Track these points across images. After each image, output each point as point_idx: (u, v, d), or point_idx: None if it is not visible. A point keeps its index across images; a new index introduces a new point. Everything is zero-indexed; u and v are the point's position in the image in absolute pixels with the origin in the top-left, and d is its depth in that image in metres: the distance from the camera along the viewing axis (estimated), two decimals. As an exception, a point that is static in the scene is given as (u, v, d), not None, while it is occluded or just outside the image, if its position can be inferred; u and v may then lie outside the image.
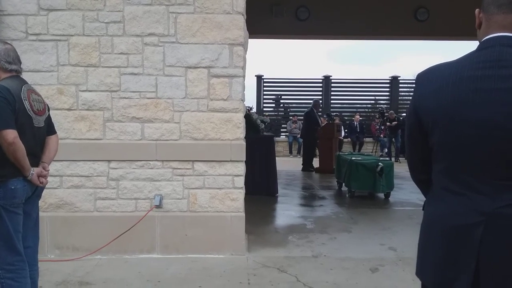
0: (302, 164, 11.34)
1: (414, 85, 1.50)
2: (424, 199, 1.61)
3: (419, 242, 1.54)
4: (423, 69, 1.48)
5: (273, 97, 18.03)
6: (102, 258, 4.01)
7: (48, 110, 2.79)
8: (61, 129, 3.86)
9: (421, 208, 1.59)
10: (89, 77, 4.04)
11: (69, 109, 4.05)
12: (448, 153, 1.38)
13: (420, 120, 1.43)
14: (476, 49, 1.39)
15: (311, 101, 16.75)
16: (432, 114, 1.38)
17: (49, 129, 2.77)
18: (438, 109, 1.36)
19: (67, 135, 4.01)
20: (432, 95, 1.38)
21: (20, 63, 2.67)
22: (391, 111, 15.03)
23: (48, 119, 2.77)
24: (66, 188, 4.10)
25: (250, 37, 4.49)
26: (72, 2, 3.97)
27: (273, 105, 18.07)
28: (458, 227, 1.34)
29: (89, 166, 4.10)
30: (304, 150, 11.81)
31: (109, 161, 4.10)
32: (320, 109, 16.78)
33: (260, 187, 6.96)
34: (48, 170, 2.70)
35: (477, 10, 1.43)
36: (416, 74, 1.50)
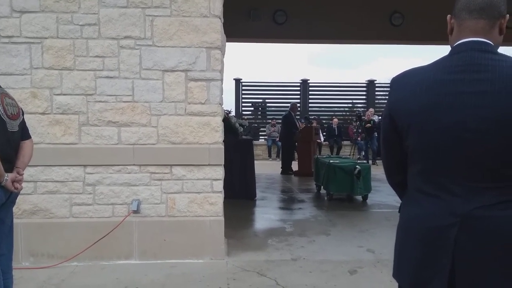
0: (281, 168, 11.38)
1: (388, 90, 1.52)
2: (400, 201, 1.63)
3: (395, 244, 1.56)
4: (397, 74, 1.50)
5: (253, 101, 18.06)
6: (78, 265, 3.93)
7: (23, 115, 2.72)
8: (35, 133, 3.77)
9: (397, 210, 1.60)
10: (64, 81, 3.96)
11: (43, 113, 3.96)
12: (422, 156, 1.40)
13: (395, 124, 1.45)
14: (449, 54, 1.41)
15: (289, 105, 16.85)
16: (406, 118, 1.40)
17: (24, 133, 2.70)
18: (412, 113, 1.38)
19: (41, 139, 3.92)
20: (406, 99, 1.40)
21: None
22: (370, 109, 15.18)
23: (23, 123, 2.70)
24: (41, 194, 4.00)
25: (228, 41, 4.48)
26: (46, 4, 3.89)
27: (252, 108, 18.08)
28: (433, 228, 1.36)
29: (64, 171, 4.02)
30: (282, 153, 11.85)
31: (85, 166, 4.03)
32: (298, 112, 16.94)
33: (239, 190, 6.95)
34: (23, 175, 2.63)
35: (448, 16, 1.46)
36: (391, 79, 1.52)
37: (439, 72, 1.36)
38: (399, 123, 1.44)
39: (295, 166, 11.28)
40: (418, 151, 1.41)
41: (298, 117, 16.35)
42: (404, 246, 1.50)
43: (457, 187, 1.33)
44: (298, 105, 17.68)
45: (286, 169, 11.25)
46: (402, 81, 1.46)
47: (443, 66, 1.37)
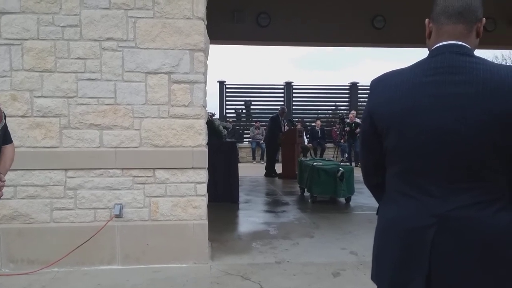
0: (265, 169, 11.39)
1: (369, 91, 1.53)
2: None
3: (374, 246, 1.56)
4: (376, 77, 1.51)
5: (238, 103, 18.04)
6: (59, 270, 3.86)
7: (5, 118, 2.66)
8: (15, 137, 3.66)
9: (375, 212, 1.62)
10: (45, 83, 3.89)
11: (23, 116, 3.89)
12: (402, 157, 1.41)
13: (375, 126, 1.46)
14: (427, 56, 1.43)
15: (276, 107, 16.90)
16: (386, 120, 1.42)
17: (5, 138, 2.64)
18: (392, 115, 1.39)
19: (21, 143, 3.85)
20: (386, 101, 1.42)
21: None
22: (353, 112, 15.32)
23: (5, 127, 2.64)
24: (21, 199, 3.92)
25: (211, 43, 4.48)
26: (26, 5, 3.82)
27: (235, 113, 18.06)
28: (412, 229, 1.38)
29: (45, 175, 3.94)
30: (267, 155, 11.86)
31: (66, 169, 3.96)
32: (284, 115, 16.97)
33: (223, 194, 6.93)
34: (4, 181, 2.58)
35: (427, 20, 1.47)
36: (370, 81, 1.52)
37: (419, 75, 1.37)
38: (378, 125, 1.45)
39: (278, 168, 11.29)
40: (397, 152, 1.42)
41: (284, 120, 16.44)
42: (383, 248, 1.50)
43: (436, 188, 1.34)
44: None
45: (270, 171, 11.27)
46: (381, 84, 1.48)
47: (422, 68, 1.39)
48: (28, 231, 3.93)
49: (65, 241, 3.88)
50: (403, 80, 1.39)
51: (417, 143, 1.36)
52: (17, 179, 3.89)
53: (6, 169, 2.62)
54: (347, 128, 14.09)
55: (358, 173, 9.85)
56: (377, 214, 1.59)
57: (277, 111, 12.03)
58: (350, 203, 7.29)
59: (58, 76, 3.91)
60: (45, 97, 3.90)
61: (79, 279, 3.72)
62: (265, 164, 11.70)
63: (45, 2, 3.84)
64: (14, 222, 3.92)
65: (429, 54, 1.43)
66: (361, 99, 18.98)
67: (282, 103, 17.82)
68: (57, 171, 3.96)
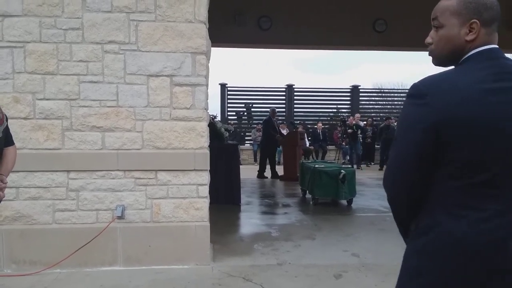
0: (258, 171, 11.40)
1: (421, 97, 1.33)
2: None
3: (422, 267, 1.38)
4: (426, 80, 1.35)
5: (240, 105, 18.08)
6: (61, 272, 3.87)
7: (7, 120, 2.68)
8: (18, 138, 3.70)
9: (400, 233, 1.52)
10: (47, 85, 3.92)
11: (25, 118, 3.91)
12: (475, 168, 1.29)
13: (439, 134, 1.29)
14: (476, 60, 1.36)
15: (278, 110, 16.87)
16: (461, 127, 1.27)
17: (7, 140, 2.67)
18: (467, 122, 1.27)
19: (23, 145, 3.87)
20: (458, 107, 1.28)
21: None
22: (357, 114, 15.34)
23: (6, 129, 2.66)
24: (23, 200, 3.94)
25: (213, 46, 4.50)
26: (29, 8, 3.85)
27: (236, 115, 18.09)
28: (488, 242, 1.28)
29: (47, 176, 3.96)
30: (261, 157, 11.84)
31: (68, 171, 3.98)
32: (283, 117, 17.00)
33: (224, 195, 6.94)
34: (6, 183, 2.60)
35: (476, 23, 1.36)
36: (419, 85, 1.35)
37: (480, 80, 1.30)
38: (447, 133, 1.29)
39: (280, 170, 11.31)
40: (470, 163, 1.29)
41: (280, 121, 16.44)
42: (453, 270, 1.32)
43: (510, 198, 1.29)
44: (283, 110, 17.81)
45: (262, 173, 11.30)
46: (443, 87, 1.31)
47: (484, 74, 1.31)
48: (30, 232, 3.94)
49: (67, 242, 3.90)
50: (465, 84, 1.30)
51: (494, 152, 1.27)
52: (20, 181, 3.91)
53: (8, 171, 2.64)
54: (350, 131, 14.09)
55: (359, 175, 9.84)
56: (405, 237, 1.49)
57: (268, 114, 12.03)
58: (352, 205, 7.29)
59: (60, 79, 3.93)
60: (47, 99, 3.93)
61: (81, 280, 3.73)
62: (260, 166, 11.66)
63: (47, 5, 3.87)
64: (16, 223, 3.94)
65: (478, 58, 1.36)
66: (363, 102, 19.03)
67: (284, 105, 17.88)
68: (59, 172, 3.98)
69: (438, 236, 1.34)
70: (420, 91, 1.33)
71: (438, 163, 1.33)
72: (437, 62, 1.48)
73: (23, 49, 3.87)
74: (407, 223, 1.49)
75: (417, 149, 1.34)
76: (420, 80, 1.36)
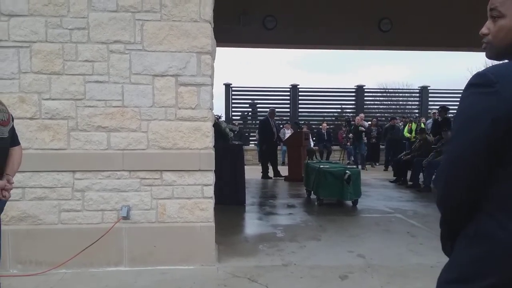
0: (261, 172, 11.40)
1: (490, 85, 1.22)
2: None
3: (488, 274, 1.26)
4: (492, 68, 1.26)
5: (244, 105, 18.08)
6: (67, 272, 3.87)
7: (12, 120, 2.69)
8: (23, 138, 3.70)
9: (444, 246, 1.43)
10: (53, 85, 3.92)
11: (31, 118, 3.91)
12: None
13: (508, 127, 1.19)
14: None
15: (282, 109, 16.88)
16: None
17: (13, 140, 2.67)
18: None
19: (29, 145, 3.87)
20: None
21: None
22: (361, 114, 15.30)
23: (12, 130, 2.67)
24: (29, 200, 3.94)
25: (217, 45, 4.48)
26: (35, 8, 3.85)
27: (241, 115, 18.09)
28: None
29: (53, 177, 3.96)
30: (262, 158, 11.83)
31: (74, 171, 3.98)
32: (289, 117, 16.97)
33: (229, 196, 6.93)
34: (13, 183, 2.60)
35: None
36: (486, 72, 1.24)
37: None
38: None
39: (284, 171, 11.29)
40: None
41: (285, 121, 16.42)
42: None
43: None
44: (288, 110, 17.79)
45: (266, 174, 11.30)
46: None
47: None
48: (36, 233, 3.94)
49: (73, 243, 3.90)
50: None
51: None
52: (25, 181, 3.91)
53: (14, 171, 2.65)
54: (362, 129, 14.06)
55: (364, 176, 9.82)
56: (448, 244, 1.39)
57: (266, 114, 12.01)
58: (357, 206, 7.26)
59: (66, 79, 3.93)
60: (53, 99, 3.93)
61: (86, 281, 3.73)
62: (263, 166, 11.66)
63: (53, 5, 3.87)
64: (22, 224, 3.94)
65: None
66: (368, 102, 18.97)
67: (288, 105, 17.85)
68: (65, 173, 3.98)
69: (503, 244, 1.22)
70: (489, 79, 1.22)
71: (503, 161, 1.21)
72: (493, 54, 1.38)
73: (29, 49, 3.88)
74: (457, 228, 1.35)
75: (483, 143, 1.21)
76: (486, 69, 1.26)
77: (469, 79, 1.30)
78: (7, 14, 3.83)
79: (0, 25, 3.82)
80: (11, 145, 2.65)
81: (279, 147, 15.76)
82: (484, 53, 1.40)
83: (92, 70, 3.94)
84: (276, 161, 11.65)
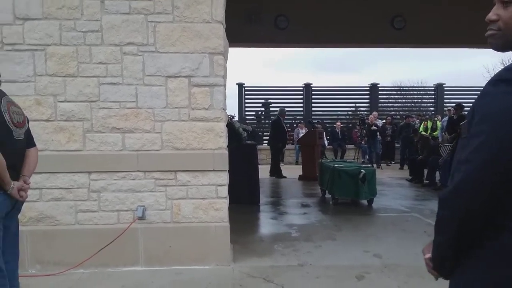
0: (270, 171, 11.40)
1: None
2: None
3: None
4: None
5: (257, 105, 18.06)
6: (84, 272, 3.91)
7: (28, 122, 2.73)
8: (40, 140, 3.75)
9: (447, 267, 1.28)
10: (68, 87, 3.96)
11: (47, 120, 3.96)
12: None
13: None
14: None
15: (296, 109, 16.77)
16: None
17: (29, 141, 2.71)
18: None
19: (46, 146, 3.92)
20: None
21: None
22: (374, 113, 15.16)
23: (28, 131, 2.71)
24: (46, 201, 3.99)
25: (230, 46, 4.48)
26: (49, 11, 3.90)
27: (254, 115, 18.08)
28: None
29: (69, 178, 4.01)
30: (272, 157, 11.83)
31: (89, 172, 4.02)
32: (302, 116, 16.90)
33: (243, 196, 6.92)
34: (29, 184, 2.63)
35: None
36: None
37: None
38: None
39: (299, 170, 11.25)
40: None
41: (298, 121, 16.35)
42: None
43: None
44: (301, 109, 17.72)
45: (274, 172, 11.30)
46: None
47: None
48: (53, 233, 3.99)
49: (89, 243, 3.94)
50: None
51: None
52: (43, 182, 3.96)
53: (30, 172, 2.68)
54: (374, 128, 13.92)
55: (379, 174, 9.71)
56: (445, 266, 1.25)
57: (277, 113, 12.00)
58: (373, 205, 7.19)
59: (80, 81, 3.97)
60: (68, 101, 3.97)
61: (103, 281, 3.76)
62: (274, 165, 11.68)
63: (67, 8, 3.91)
64: (40, 224, 3.99)
65: None
66: (382, 100, 18.81)
67: (302, 104, 17.79)
68: (81, 174, 4.02)
69: None
70: None
71: None
72: (500, 44, 1.24)
73: (44, 52, 3.92)
74: (467, 243, 1.19)
75: (507, 147, 1.07)
76: None
77: (496, 73, 1.17)
78: (21, 18, 3.88)
79: (15, 28, 3.88)
80: (27, 146, 2.68)
81: (292, 146, 15.76)
82: (490, 42, 1.26)
83: (106, 72, 3.98)
84: (279, 161, 11.71)
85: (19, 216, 2.74)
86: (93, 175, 4.02)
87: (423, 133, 9.89)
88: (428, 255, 1.31)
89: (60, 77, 3.95)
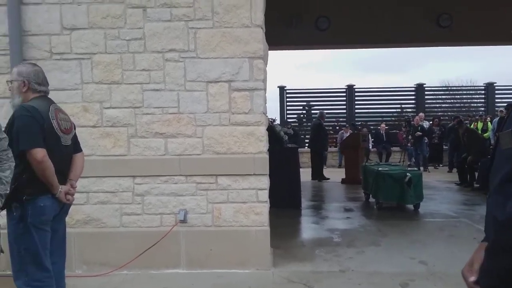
0: (312, 174, 11.27)
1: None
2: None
3: None
4: None
5: (299, 107, 17.99)
6: (128, 273, 4.02)
7: (75, 129, 2.85)
8: (87, 146, 3.90)
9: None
10: (113, 94, 4.09)
11: (94, 126, 4.11)
12: None
13: None
14: None
15: (338, 111, 16.53)
16: None
17: (75, 147, 2.82)
18: None
19: (92, 151, 4.06)
20: None
21: (48, 84, 2.76)
22: (420, 114, 14.69)
23: (75, 137, 2.82)
24: (93, 204, 4.14)
25: (270, 49, 4.48)
26: (94, 21, 4.04)
27: (296, 118, 18.00)
28: None
29: (115, 182, 4.13)
30: (312, 160, 11.67)
31: (134, 176, 4.13)
32: (345, 118, 16.65)
33: (285, 199, 6.88)
34: (76, 187, 2.74)
35: None
36: None
37: None
38: None
39: (341, 173, 11.08)
40: None
41: (341, 123, 16.13)
42: None
43: None
44: (344, 111, 17.47)
45: (316, 176, 11.16)
46: None
47: None
48: (99, 235, 4.13)
49: (133, 245, 4.04)
50: None
51: None
52: (89, 186, 4.11)
53: (77, 176, 2.78)
54: (419, 133, 13.45)
55: (427, 178, 9.38)
56: None
57: (317, 116, 11.88)
58: (419, 210, 6.95)
59: (125, 88, 4.09)
60: (113, 108, 4.10)
61: (146, 282, 3.84)
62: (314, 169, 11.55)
63: (111, 17, 4.04)
64: (87, 227, 4.14)
65: None
66: (429, 101, 18.22)
67: (344, 106, 17.54)
68: (125, 178, 4.13)
69: None
70: None
71: None
72: None
73: (90, 61, 4.07)
74: None
75: None
76: None
77: None
78: (69, 27, 4.05)
79: (63, 38, 4.05)
80: (74, 152, 2.79)
81: (335, 149, 15.53)
82: None
83: (149, 78, 4.07)
84: (322, 164, 11.58)
85: (67, 218, 2.86)
86: (137, 179, 4.13)
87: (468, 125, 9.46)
88: (473, 278, 1.18)
89: (106, 84, 4.08)
